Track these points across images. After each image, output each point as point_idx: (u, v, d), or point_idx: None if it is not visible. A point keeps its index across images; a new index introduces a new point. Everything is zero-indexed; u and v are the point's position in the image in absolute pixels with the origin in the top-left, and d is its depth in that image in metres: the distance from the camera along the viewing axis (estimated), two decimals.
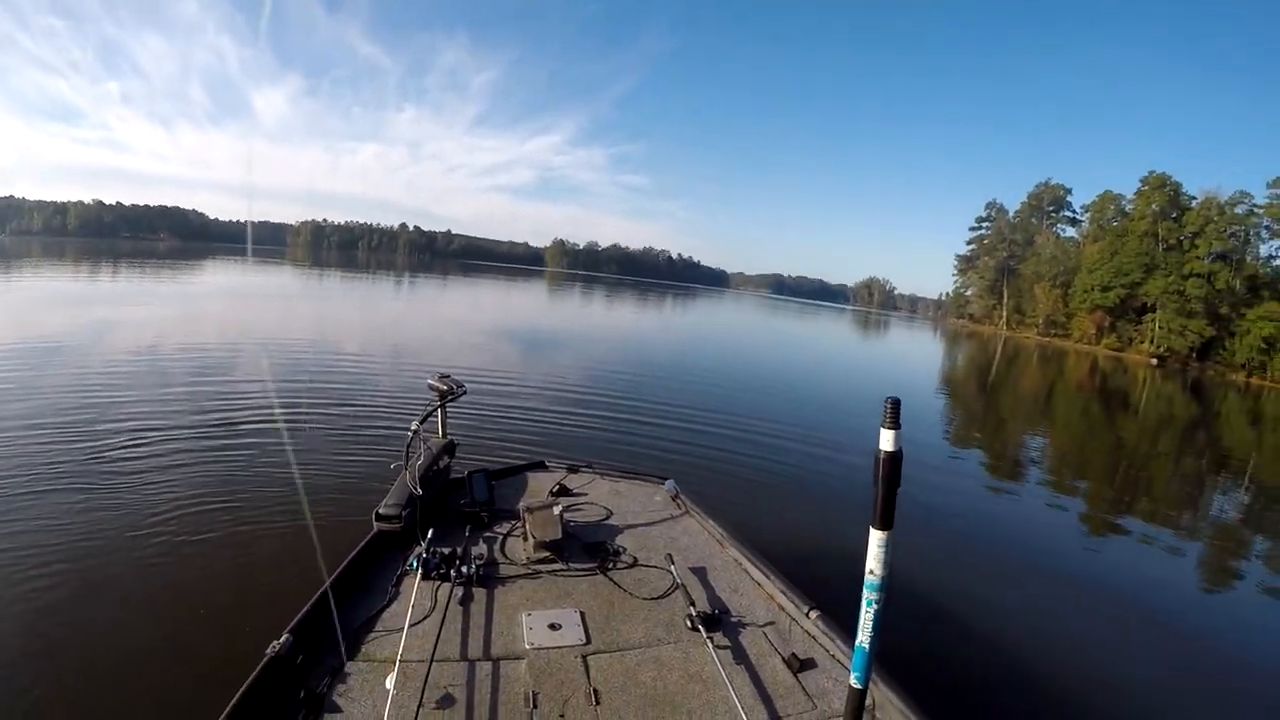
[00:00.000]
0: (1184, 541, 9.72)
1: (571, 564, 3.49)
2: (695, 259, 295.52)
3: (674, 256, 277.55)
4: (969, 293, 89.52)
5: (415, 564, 3.13)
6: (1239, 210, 56.67)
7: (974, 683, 4.86)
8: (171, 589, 4.77)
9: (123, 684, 3.75)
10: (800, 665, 2.79)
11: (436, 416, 4.39)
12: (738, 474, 9.22)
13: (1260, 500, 13.63)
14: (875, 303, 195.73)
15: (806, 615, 3.14)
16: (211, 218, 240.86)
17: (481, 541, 3.68)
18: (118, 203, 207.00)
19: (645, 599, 3.24)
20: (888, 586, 1.77)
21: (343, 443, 8.29)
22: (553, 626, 2.89)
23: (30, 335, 14.71)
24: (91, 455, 7.25)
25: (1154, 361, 54.15)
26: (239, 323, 20.92)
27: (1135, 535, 9.59)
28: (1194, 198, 60.65)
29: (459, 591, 3.10)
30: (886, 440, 1.70)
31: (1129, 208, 66.23)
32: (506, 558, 3.52)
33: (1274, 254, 56.79)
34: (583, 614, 3.03)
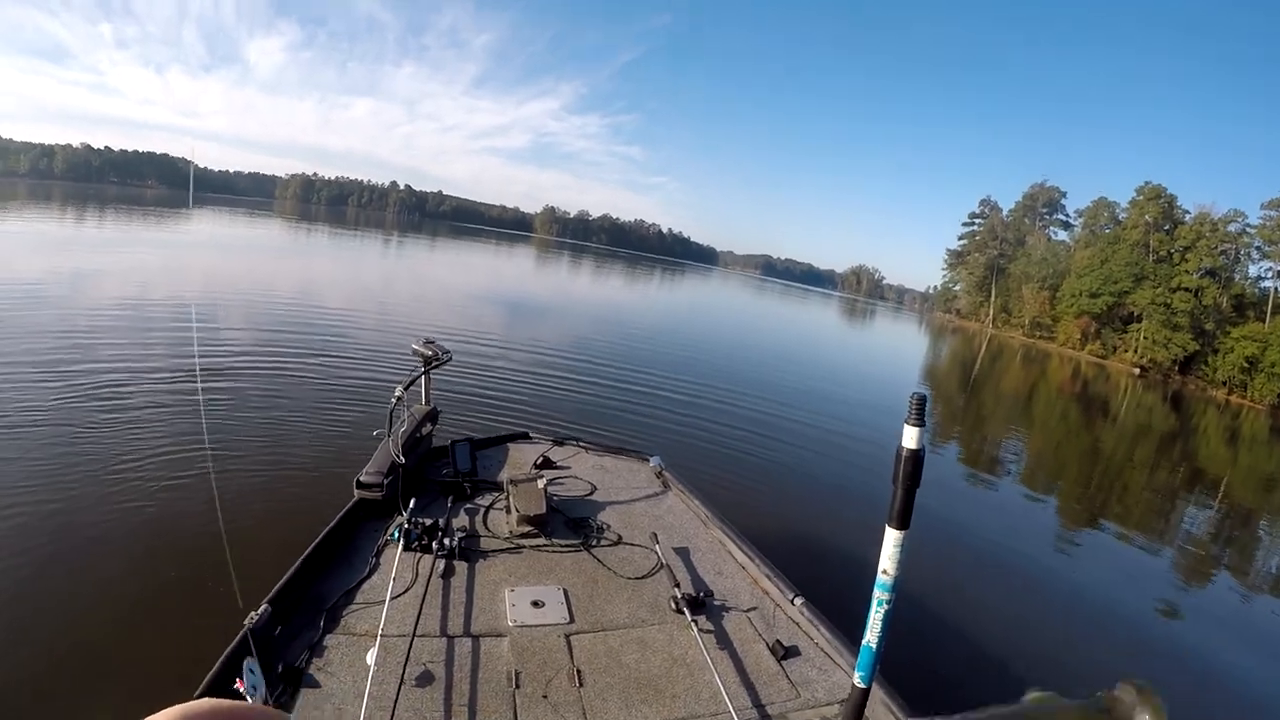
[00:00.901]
0: (1154, 549, 9.81)
1: (555, 539, 3.44)
2: (686, 235, 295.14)
3: (664, 231, 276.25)
4: (957, 288, 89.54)
5: (396, 534, 3.06)
6: (1231, 228, 56.87)
7: (938, 671, 4.85)
8: (144, 551, 4.57)
9: (93, 653, 3.59)
10: (784, 652, 2.76)
11: (420, 383, 4.29)
12: (723, 452, 9.13)
13: (1231, 518, 13.80)
14: (863, 290, 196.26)
15: (791, 602, 3.12)
16: (201, 166, 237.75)
17: (464, 513, 3.62)
18: (106, 148, 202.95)
19: (629, 578, 3.21)
20: (899, 587, 1.71)
21: (324, 406, 8.09)
22: (535, 604, 2.86)
23: (11, 278, 14.33)
24: (69, 402, 7.07)
25: (1136, 371, 54.55)
26: (222, 275, 20.57)
27: (1107, 538, 9.71)
28: (1188, 212, 60.98)
29: (440, 564, 3.04)
30: (910, 437, 1.61)
31: (1122, 216, 66.48)
32: (489, 531, 3.46)
33: (1263, 275, 57.19)
34: (566, 591, 3.00)
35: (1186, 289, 55.50)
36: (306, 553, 2.82)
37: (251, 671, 1.95)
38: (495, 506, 3.72)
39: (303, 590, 2.68)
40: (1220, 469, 20.26)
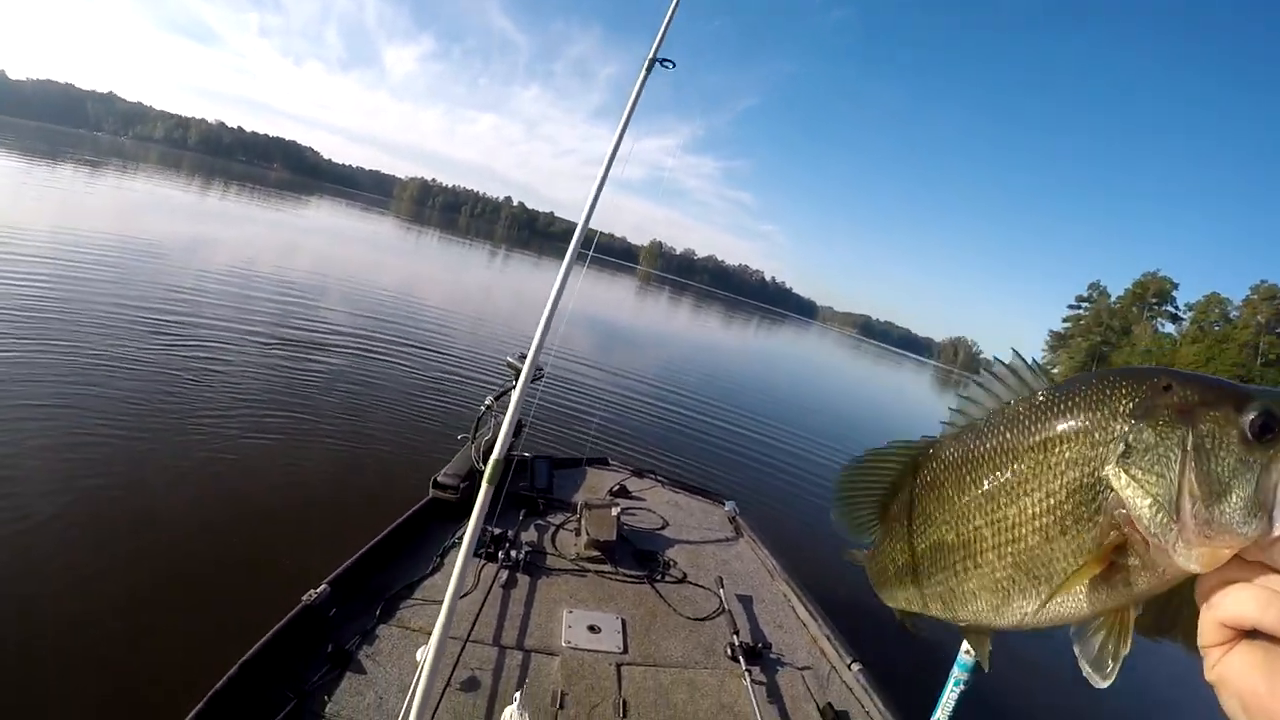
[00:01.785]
0: None
1: (620, 568, 3.45)
2: (788, 285, 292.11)
3: (767, 279, 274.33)
4: (1056, 370, 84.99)
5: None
6: None
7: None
8: (213, 515, 4.56)
9: (146, 610, 3.51)
10: (835, 716, 2.72)
11: (510, 395, 4.53)
12: (802, 506, 8.98)
13: None
14: (959, 362, 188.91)
15: (848, 666, 3.08)
16: (325, 157, 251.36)
17: (534, 528, 3.67)
18: (239, 127, 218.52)
19: (689, 618, 3.19)
20: (977, 669, 1.70)
21: (412, 401, 8.14)
22: (592, 629, 2.86)
23: (135, 233, 15.16)
24: (171, 350, 7.39)
25: None
26: (331, 259, 21.33)
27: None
28: None
29: (504, 575, 3.08)
30: None
31: (1234, 314, 63.37)
32: (557, 550, 3.49)
33: None
34: (624, 621, 2.99)
35: None
36: (373, 542, 2.87)
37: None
38: (566, 527, 3.75)
39: (364, 578, 2.71)
40: None
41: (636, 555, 3.61)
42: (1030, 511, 0.58)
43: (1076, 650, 0.55)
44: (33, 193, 20.37)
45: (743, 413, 14.36)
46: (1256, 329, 59.21)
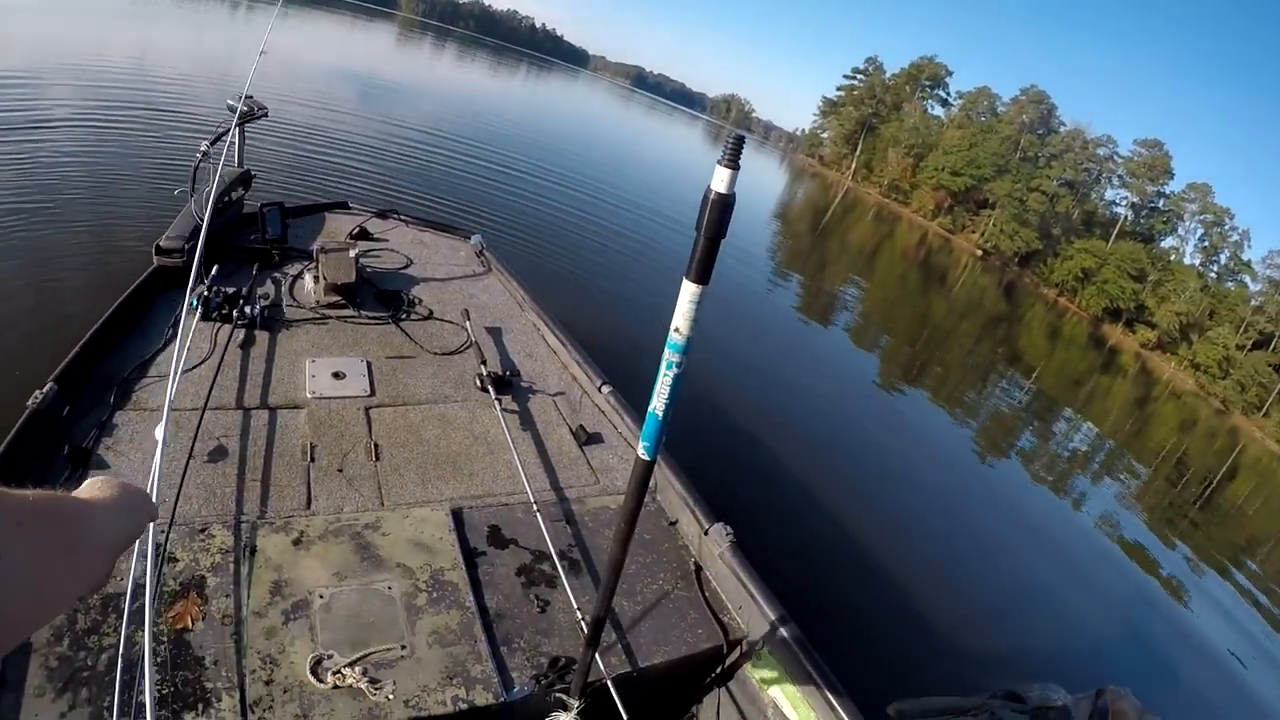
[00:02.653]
0: (961, 419, 10.08)
1: (363, 311, 3.36)
2: (559, 32, 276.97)
3: (536, 25, 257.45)
4: (825, 135, 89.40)
5: (195, 303, 2.80)
6: (1100, 151, 59.64)
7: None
8: None
9: None
10: (587, 438, 2.81)
11: (233, 140, 3.81)
12: (553, 241, 8.93)
13: (1037, 400, 14.82)
14: (731, 119, 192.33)
15: (599, 389, 3.15)
16: None
17: (270, 282, 3.47)
18: None
19: (436, 353, 3.17)
20: (690, 350, 1.38)
21: (126, 166, 6.97)
22: (337, 375, 2.78)
23: None
24: None
25: (979, 253, 56.87)
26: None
27: (919, 398, 10.02)
28: (1064, 124, 63.29)
29: (240, 334, 2.92)
30: (720, 180, 1.20)
31: (1001, 109, 67.76)
32: (295, 301, 3.34)
33: (1117, 201, 60.70)
34: (369, 364, 2.93)
35: (1044, 192, 57.91)
36: (96, 326, 2.58)
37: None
38: (303, 276, 3.54)
39: (92, 366, 2.47)
40: (1036, 358, 21.82)
41: (379, 296, 3.49)
42: None
43: None
44: None
45: (496, 150, 14.01)
46: (1020, 126, 63.31)
